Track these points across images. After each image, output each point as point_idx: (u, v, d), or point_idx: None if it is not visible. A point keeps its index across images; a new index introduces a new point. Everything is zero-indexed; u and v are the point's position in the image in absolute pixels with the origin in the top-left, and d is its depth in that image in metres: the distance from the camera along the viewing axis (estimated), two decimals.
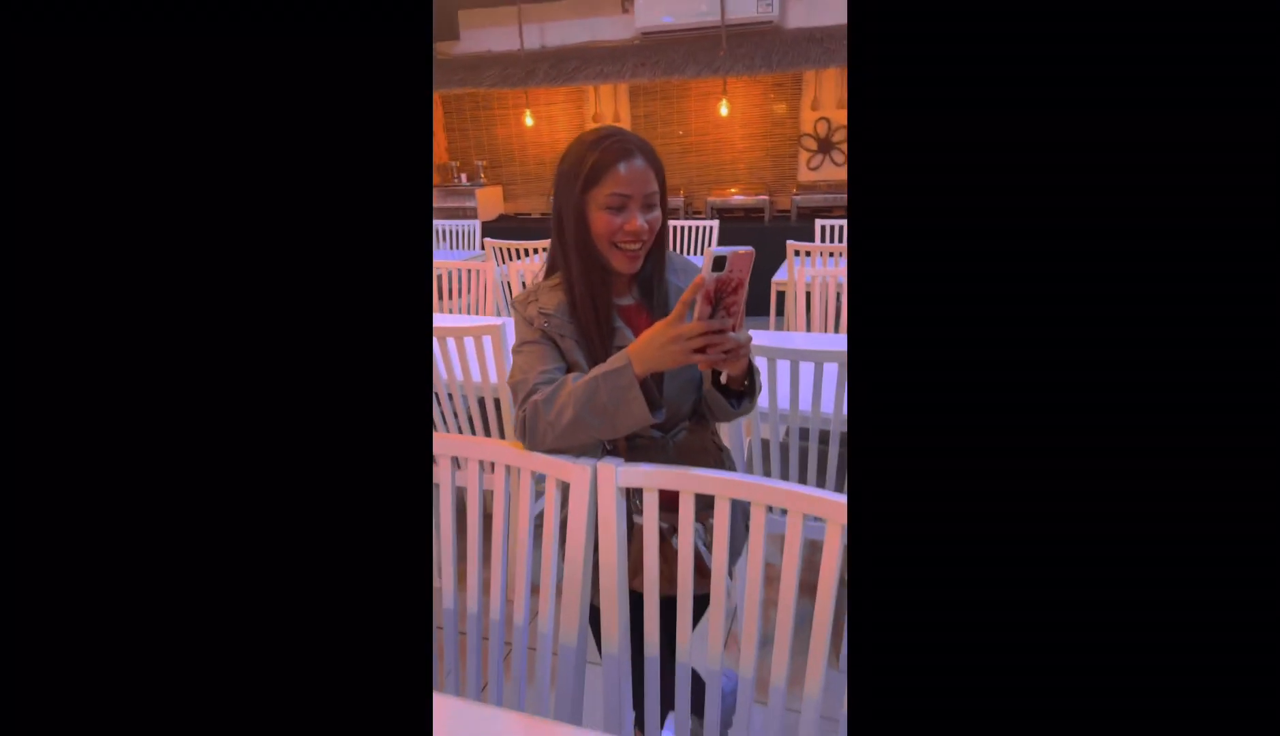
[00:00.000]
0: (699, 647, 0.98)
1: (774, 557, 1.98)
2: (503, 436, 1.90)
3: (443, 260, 2.98)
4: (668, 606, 0.94)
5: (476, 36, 5.28)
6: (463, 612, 1.58)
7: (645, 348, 0.87)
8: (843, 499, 0.78)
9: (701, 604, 1.04)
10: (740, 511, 1.02)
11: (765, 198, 4.92)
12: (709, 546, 1.01)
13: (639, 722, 1.06)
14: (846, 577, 0.55)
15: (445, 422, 1.91)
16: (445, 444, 1.00)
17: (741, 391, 0.99)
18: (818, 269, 2.58)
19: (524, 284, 2.80)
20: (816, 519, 0.80)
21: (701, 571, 1.00)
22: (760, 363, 1.75)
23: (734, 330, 0.86)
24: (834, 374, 1.68)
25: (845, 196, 4.46)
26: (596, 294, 0.98)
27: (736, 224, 4.73)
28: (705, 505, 0.93)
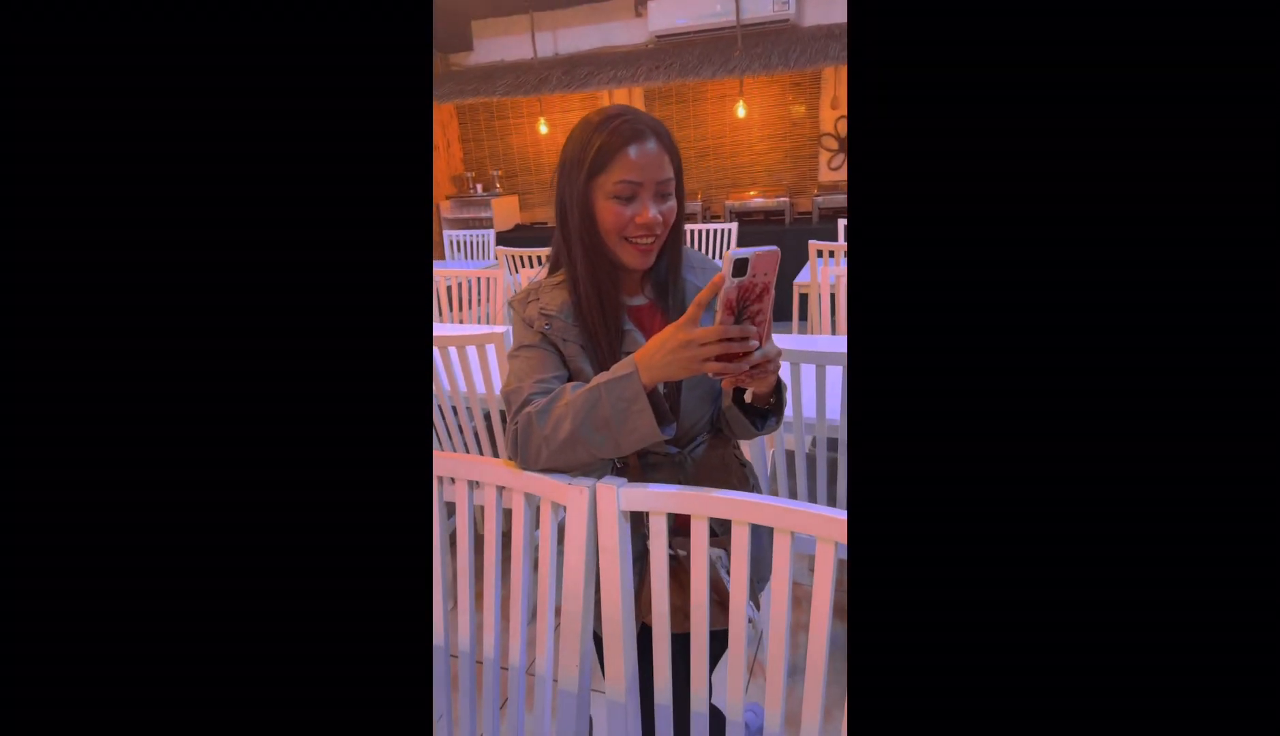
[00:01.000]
0: (718, 680, 0.86)
1: (803, 577, 1.86)
2: None
3: (456, 270, 2.91)
4: (681, 643, 0.83)
5: (490, 46, 5.25)
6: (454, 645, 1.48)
7: (654, 354, 0.75)
8: None
9: (719, 640, 0.93)
10: (764, 533, 0.91)
11: (785, 199, 4.80)
12: (730, 572, 0.90)
13: None
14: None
15: (451, 438, 1.81)
16: (435, 462, 0.90)
17: (767, 409, 0.87)
18: (842, 269, 2.45)
19: None
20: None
21: (722, 602, 0.89)
22: (783, 367, 1.64)
23: (760, 342, 0.73)
24: None
25: None
26: (604, 293, 0.87)
27: (756, 227, 4.61)
28: (725, 527, 0.82)
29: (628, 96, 5.19)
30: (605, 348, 0.87)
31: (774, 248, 0.70)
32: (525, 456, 0.82)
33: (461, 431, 1.80)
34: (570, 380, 0.87)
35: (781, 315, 3.98)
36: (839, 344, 1.98)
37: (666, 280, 0.92)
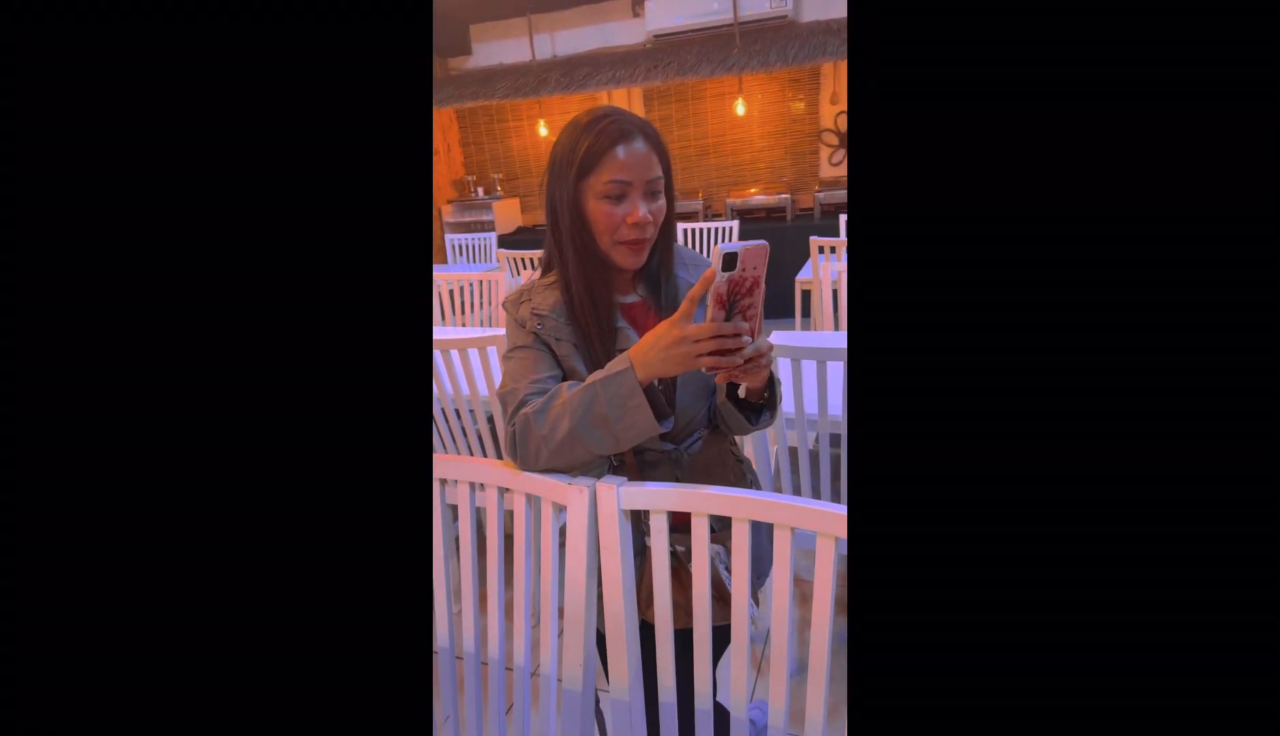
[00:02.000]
0: (722, 678, 0.86)
1: (806, 572, 1.85)
2: None
3: (457, 273, 2.91)
4: (684, 640, 0.83)
5: (488, 50, 5.26)
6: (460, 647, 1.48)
7: (648, 350, 0.76)
8: None
9: (721, 636, 0.93)
10: (764, 529, 0.91)
11: (787, 196, 4.78)
12: (730, 569, 0.89)
13: None
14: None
15: (455, 441, 1.82)
16: (434, 464, 0.90)
17: (761, 404, 0.87)
18: (844, 264, 2.44)
19: None
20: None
21: (722, 598, 0.89)
22: (784, 363, 1.63)
23: (752, 336, 0.74)
24: None
25: None
26: (596, 292, 0.87)
27: (758, 224, 4.60)
28: (724, 524, 0.82)
29: (627, 96, 5.19)
30: (598, 346, 0.87)
31: (763, 242, 0.71)
32: (524, 457, 0.83)
33: (466, 435, 1.80)
34: (565, 380, 0.87)
35: (784, 311, 3.98)
36: (841, 340, 1.98)
37: (659, 278, 0.92)
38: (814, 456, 1.54)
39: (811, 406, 1.45)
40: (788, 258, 4.06)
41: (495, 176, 5.58)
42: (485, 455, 1.82)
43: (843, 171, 4.88)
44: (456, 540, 1.90)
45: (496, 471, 0.86)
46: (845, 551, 0.71)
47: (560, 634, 0.83)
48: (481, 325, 2.86)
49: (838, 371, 1.49)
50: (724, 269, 0.69)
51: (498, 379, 1.70)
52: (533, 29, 4.89)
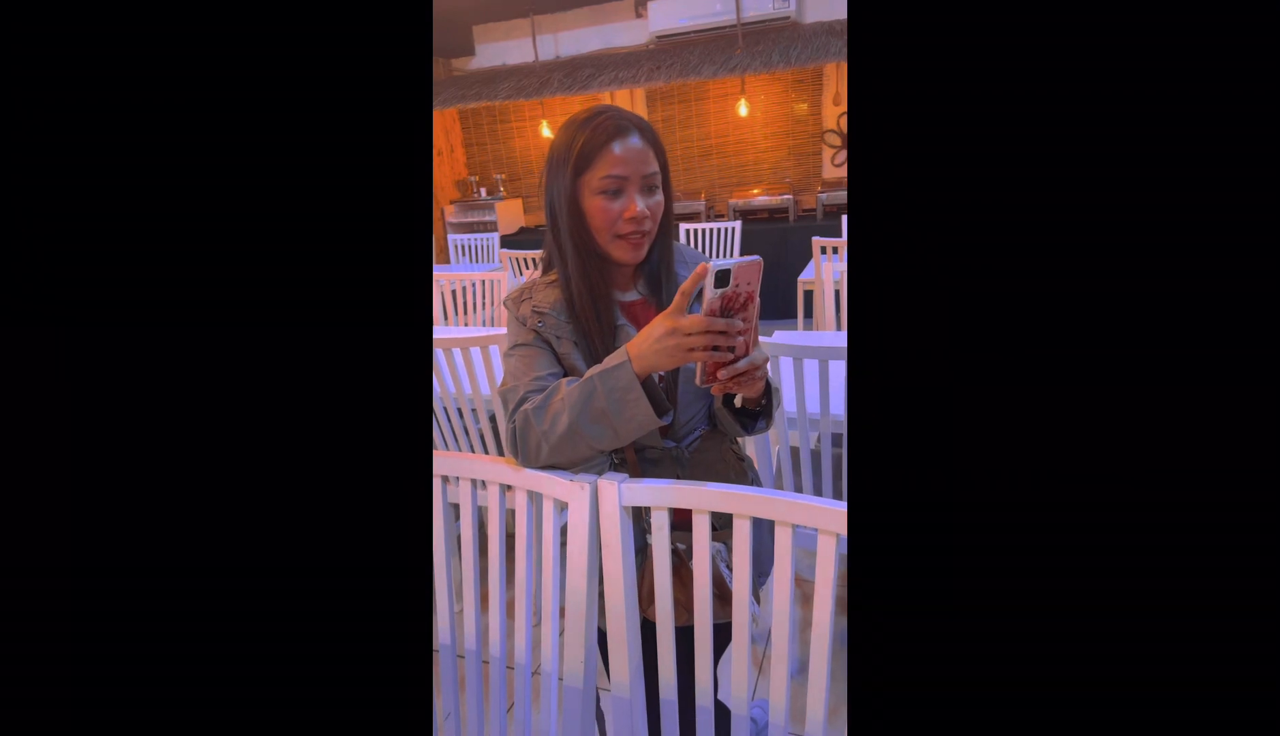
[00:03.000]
0: (723, 676, 0.86)
1: (807, 572, 1.85)
2: None
3: (459, 273, 2.91)
4: (685, 638, 0.83)
5: (491, 51, 5.27)
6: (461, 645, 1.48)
7: (643, 343, 0.76)
8: None
9: (723, 634, 0.93)
10: (765, 527, 0.90)
11: (790, 197, 4.78)
12: (732, 567, 0.89)
13: None
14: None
15: (457, 439, 1.82)
16: (436, 461, 0.90)
17: (757, 411, 0.87)
18: (846, 264, 2.44)
19: None
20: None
21: (723, 596, 0.89)
22: (786, 362, 1.63)
23: (747, 350, 0.75)
24: None
25: None
26: (596, 289, 0.87)
27: (761, 225, 4.60)
28: (725, 522, 0.82)
29: (629, 97, 5.20)
30: (599, 343, 0.87)
31: (756, 257, 0.72)
32: (525, 453, 0.83)
33: (467, 433, 1.80)
34: (565, 377, 0.87)
35: (787, 311, 3.97)
36: (843, 339, 1.97)
37: (659, 274, 0.92)
38: (815, 456, 1.53)
39: (813, 405, 1.45)
40: (791, 258, 4.06)
41: (498, 177, 5.59)
42: (487, 453, 1.82)
43: (844, 172, 4.88)
44: (458, 538, 1.90)
45: (498, 468, 0.86)
46: (845, 550, 0.71)
47: (561, 632, 0.83)
48: (483, 325, 2.87)
49: (840, 371, 1.49)
50: (716, 286, 0.70)
51: (499, 377, 1.70)
52: (536, 30, 4.89)
